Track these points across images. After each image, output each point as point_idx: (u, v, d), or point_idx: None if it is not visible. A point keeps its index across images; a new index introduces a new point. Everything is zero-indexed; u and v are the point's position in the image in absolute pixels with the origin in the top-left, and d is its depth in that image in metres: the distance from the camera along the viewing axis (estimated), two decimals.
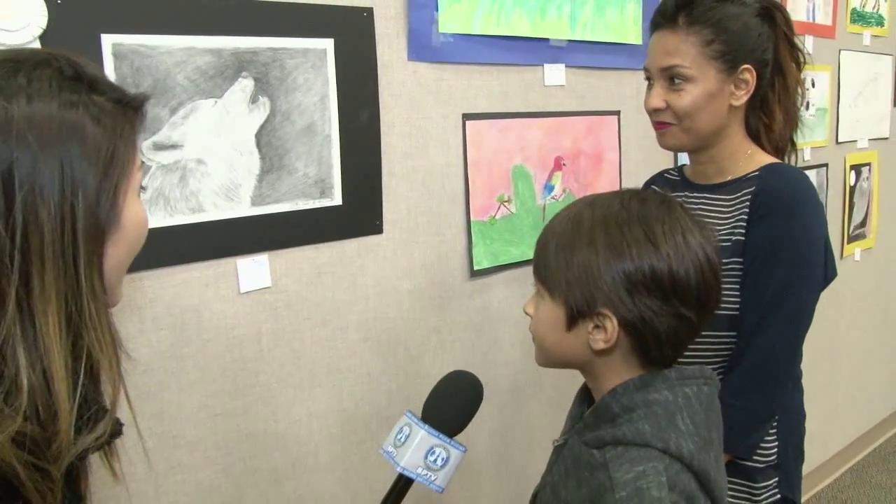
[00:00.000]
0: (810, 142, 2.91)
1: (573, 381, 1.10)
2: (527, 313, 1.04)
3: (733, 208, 1.38)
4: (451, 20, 1.74)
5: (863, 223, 3.38)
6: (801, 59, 1.44)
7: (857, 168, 3.26)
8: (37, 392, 0.64)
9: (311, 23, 1.52)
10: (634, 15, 2.15)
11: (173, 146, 1.38)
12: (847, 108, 3.14)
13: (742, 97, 1.38)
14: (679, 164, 1.63)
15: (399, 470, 1.04)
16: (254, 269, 1.51)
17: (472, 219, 1.86)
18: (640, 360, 0.96)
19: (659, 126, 1.42)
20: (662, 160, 2.19)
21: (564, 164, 2.05)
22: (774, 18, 1.40)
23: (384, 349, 1.75)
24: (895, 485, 3.38)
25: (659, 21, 1.40)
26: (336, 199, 1.60)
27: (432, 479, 1.04)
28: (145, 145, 1.35)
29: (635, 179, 2.19)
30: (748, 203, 1.35)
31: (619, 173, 2.21)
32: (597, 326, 0.94)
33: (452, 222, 1.84)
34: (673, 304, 0.91)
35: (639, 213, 0.93)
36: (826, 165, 3.05)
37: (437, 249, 1.82)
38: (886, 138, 3.46)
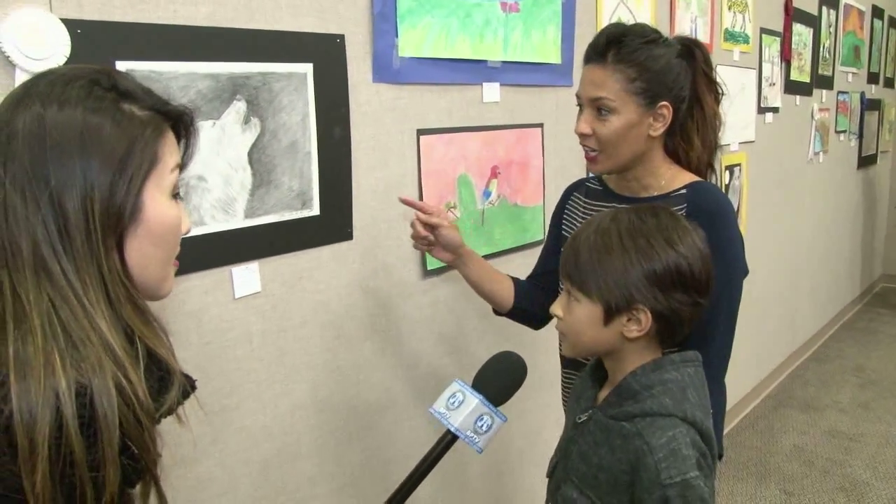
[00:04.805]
0: None
1: None
2: (555, 315, 1.24)
3: None
4: (408, 45, 1.91)
5: None
6: (719, 92, 1.61)
7: (730, 168, 3.67)
8: (108, 356, 0.75)
9: (294, 49, 1.66)
10: (554, 37, 2.39)
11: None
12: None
13: (659, 129, 1.53)
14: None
15: (451, 429, 1.21)
16: (246, 276, 1.63)
17: None
18: (659, 341, 1.20)
19: (588, 154, 1.58)
20: (576, 166, 2.47)
21: (499, 172, 2.27)
22: (694, 55, 1.56)
23: (353, 344, 1.91)
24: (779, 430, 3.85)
25: (591, 55, 1.54)
26: (315, 209, 1.75)
27: (476, 440, 1.22)
28: None
29: (556, 183, 2.44)
30: (683, 217, 1.50)
31: (543, 178, 2.45)
32: (630, 319, 1.17)
33: (409, 228, 2.01)
34: (692, 295, 1.16)
35: (656, 224, 1.17)
36: None
37: (396, 252, 1.99)
38: (753, 141, 3.90)
